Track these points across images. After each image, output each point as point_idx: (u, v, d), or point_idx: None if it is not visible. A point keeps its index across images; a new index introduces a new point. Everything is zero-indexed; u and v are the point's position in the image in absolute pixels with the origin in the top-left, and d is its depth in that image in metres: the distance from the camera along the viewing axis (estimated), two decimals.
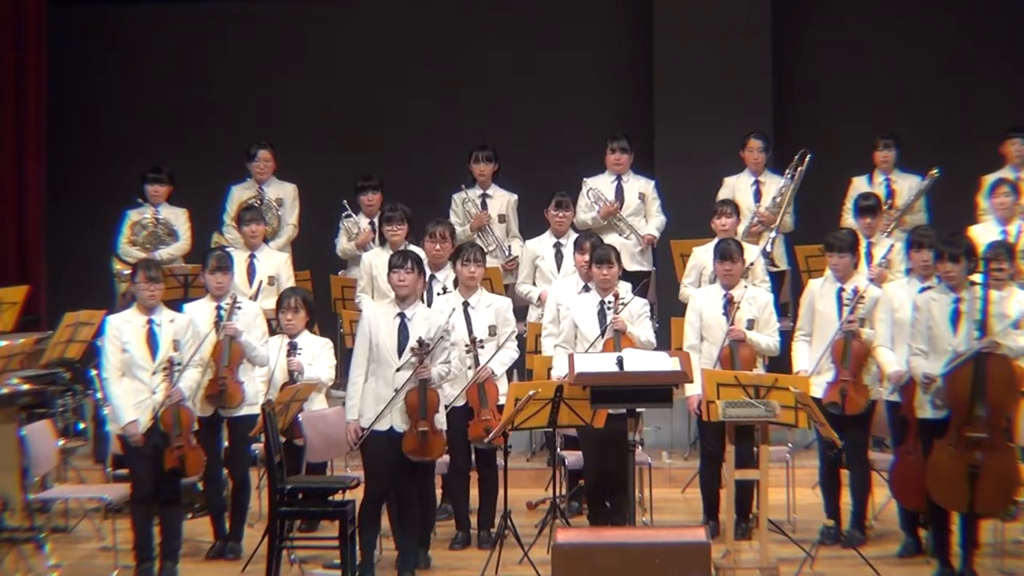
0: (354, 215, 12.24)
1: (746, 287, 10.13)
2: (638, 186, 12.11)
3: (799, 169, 12.09)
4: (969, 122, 13.59)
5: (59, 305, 11.95)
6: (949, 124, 13.71)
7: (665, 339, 11.19)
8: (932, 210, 12.10)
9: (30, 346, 10.86)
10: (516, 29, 14.37)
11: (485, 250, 10.97)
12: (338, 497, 9.07)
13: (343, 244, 12.30)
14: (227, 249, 10.77)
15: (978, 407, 8.75)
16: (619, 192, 12.06)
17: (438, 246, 10.40)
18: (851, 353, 9.66)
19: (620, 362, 8.88)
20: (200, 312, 9.73)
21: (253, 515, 10.35)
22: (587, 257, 10.19)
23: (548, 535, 9.28)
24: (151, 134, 14.40)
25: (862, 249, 10.38)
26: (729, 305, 9.97)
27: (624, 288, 10.04)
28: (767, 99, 13.65)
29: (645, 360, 9.05)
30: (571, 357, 9.14)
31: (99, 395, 11.04)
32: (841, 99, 13.92)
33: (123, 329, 9.20)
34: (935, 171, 12.03)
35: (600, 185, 12.05)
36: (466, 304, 9.98)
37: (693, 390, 9.68)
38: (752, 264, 10.80)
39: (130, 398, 9.13)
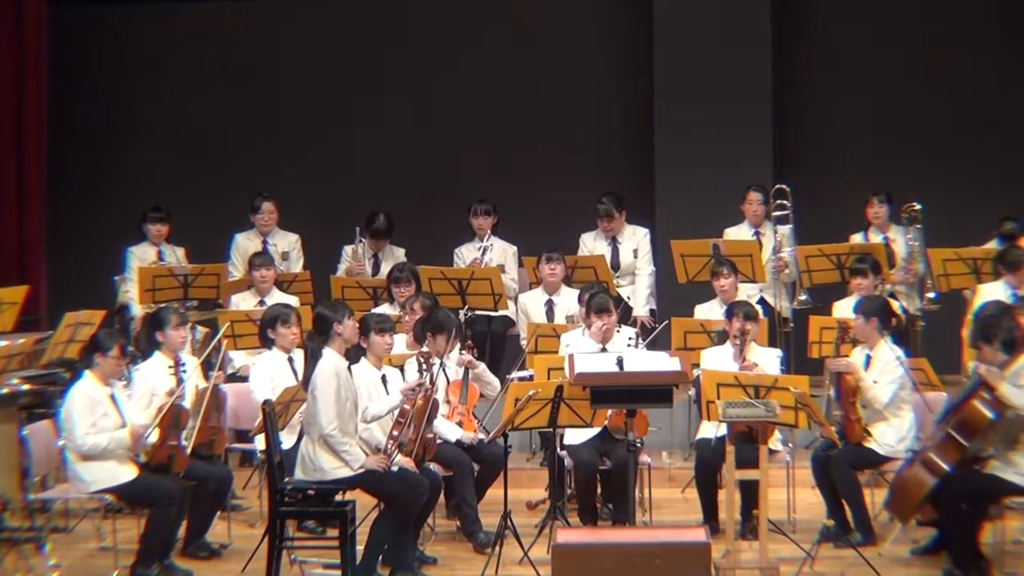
0: (364, 242, 12.49)
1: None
2: (632, 243, 12.38)
3: None
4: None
5: (59, 305, 11.95)
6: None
7: (665, 340, 11.20)
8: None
9: (30, 346, 10.85)
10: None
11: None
12: (338, 497, 9.07)
13: (343, 269, 12.61)
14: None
15: None
16: (615, 254, 12.33)
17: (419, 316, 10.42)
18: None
19: (620, 362, 8.89)
20: (154, 370, 9.72)
21: (253, 515, 10.36)
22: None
23: (548, 535, 9.28)
24: (151, 134, 14.40)
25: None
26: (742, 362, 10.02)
27: (626, 333, 10.31)
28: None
29: (645, 360, 9.06)
30: (571, 357, 9.15)
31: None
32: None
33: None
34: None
35: (597, 245, 12.35)
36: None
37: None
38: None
39: None
